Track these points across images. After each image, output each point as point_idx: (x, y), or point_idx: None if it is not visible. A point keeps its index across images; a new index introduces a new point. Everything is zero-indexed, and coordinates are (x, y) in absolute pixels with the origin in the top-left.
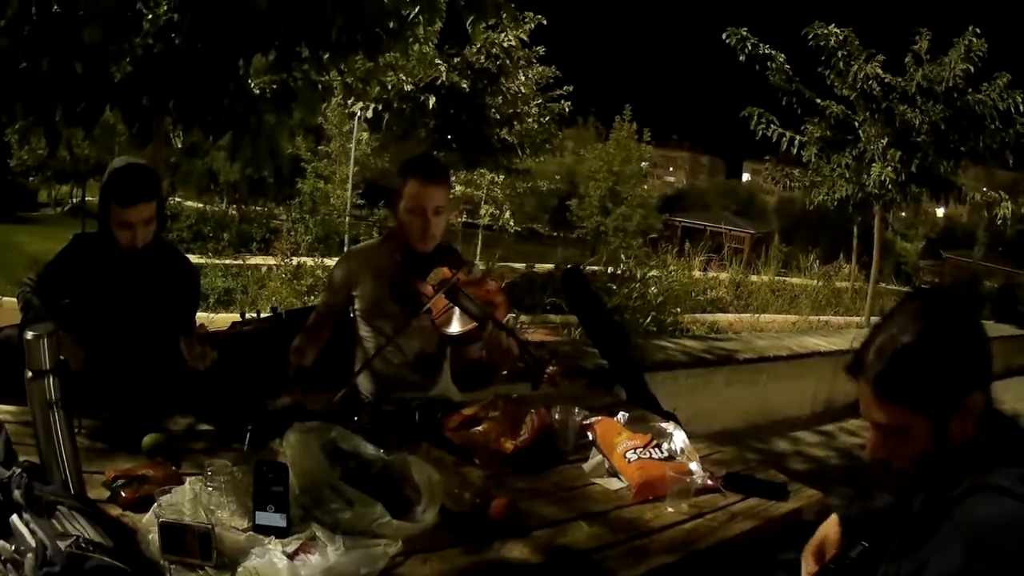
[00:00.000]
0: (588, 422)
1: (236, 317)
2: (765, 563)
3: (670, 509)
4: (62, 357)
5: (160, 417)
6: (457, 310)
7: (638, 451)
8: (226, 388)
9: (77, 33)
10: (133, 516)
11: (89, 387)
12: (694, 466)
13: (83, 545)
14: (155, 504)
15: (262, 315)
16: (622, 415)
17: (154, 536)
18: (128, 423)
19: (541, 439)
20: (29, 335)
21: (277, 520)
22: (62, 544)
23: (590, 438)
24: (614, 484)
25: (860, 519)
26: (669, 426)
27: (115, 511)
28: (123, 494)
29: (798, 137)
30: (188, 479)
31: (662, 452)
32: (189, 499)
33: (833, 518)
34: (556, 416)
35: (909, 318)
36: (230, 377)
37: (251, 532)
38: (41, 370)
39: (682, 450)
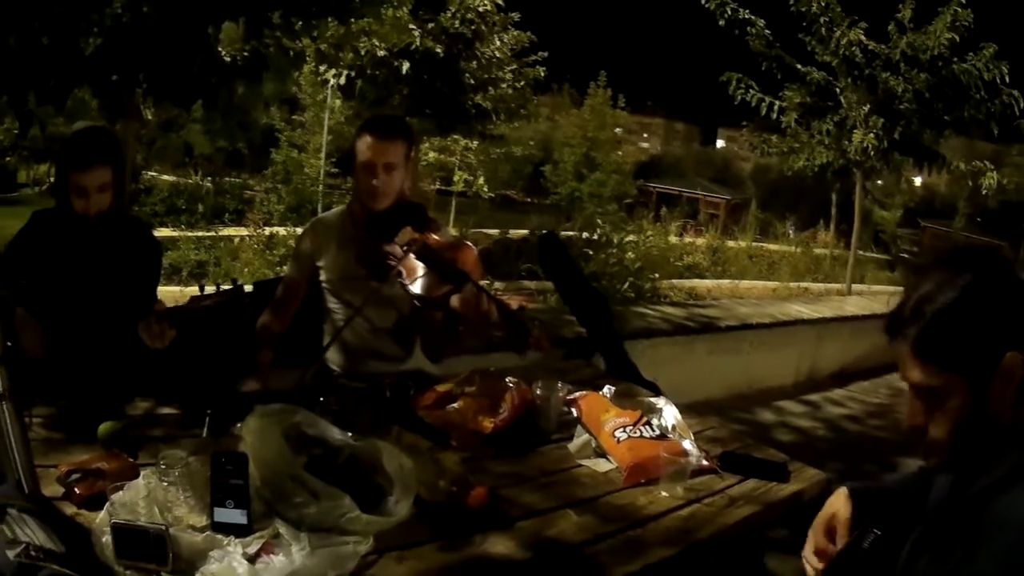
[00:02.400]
0: (572, 397)
1: (210, 290)
2: (756, 542)
3: (664, 494)
4: (23, 343)
5: (118, 401)
6: (428, 272)
7: (627, 429)
8: (186, 367)
9: (45, 7)
10: (88, 515)
11: (46, 371)
12: (688, 445)
13: (33, 553)
14: (108, 503)
15: (222, 288)
16: (608, 389)
17: (108, 539)
18: (85, 410)
19: (522, 417)
20: None
21: (237, 517)
22: (11, 552)
23: (574, 415)
24: (603, 466)
25: (871, 497)
26: (659, 401)
27: (70, 509)
28: (77, 490)
29: (778, 103)
30: (143, 472)
31: (653, 430)
32: (143, 496)
33: (843, 492)
34: (538, 391)
35: (947, 276)
36: (190, 355)
37: (209, 532)
38: None
39: (674, 427)
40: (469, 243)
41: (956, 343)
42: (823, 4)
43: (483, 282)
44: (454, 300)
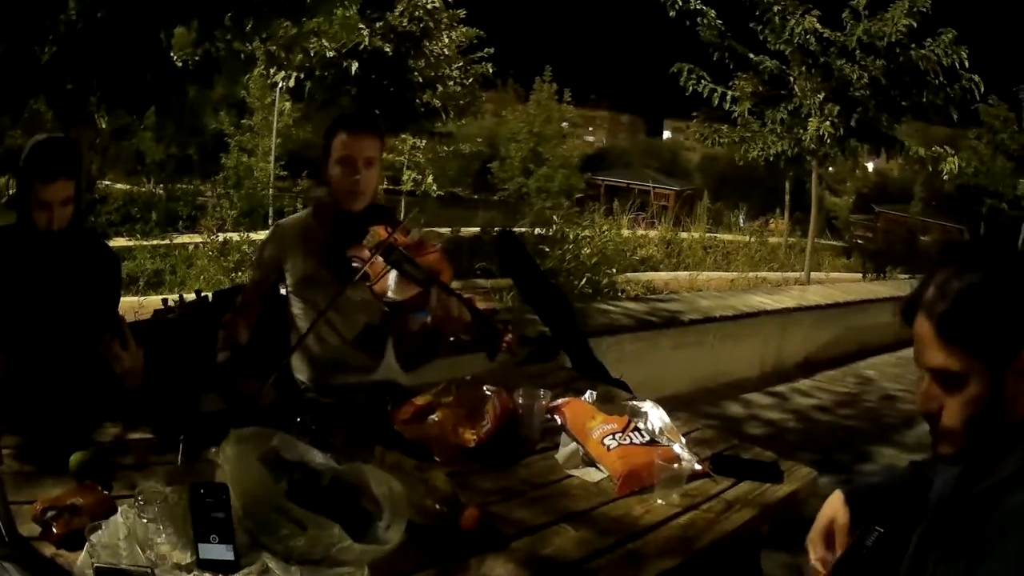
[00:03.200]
0: (555, 404)
1: (169, 299)
2: (752, 542)
3: (660, 502)
4: None
5: (87, 427)
6: (397, 275)
7: (617, 436)
8: (154, 385)
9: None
10: (67, 555)
11: (10, 397)
12: (679, 449)
13: None
14: (87, 543)
15: (187, 300)
16: (590, 394)
17: None
18: (53, 438)
19: (504, 427)
20: None
21: (223, 552)
22: None
23: (558, 422)
24: (593, 475)
25: (866, 497)
26: (644, 404)
27: (48, 550)
28: (54, 529)
29: (730, 92)
30: (121, 507)
31: (643, 436)
32: (124, 536)
33: (838, 496)
34: (519, 400)
35: (972, 260)
36: (157, 371)
37: (196, 572)
38: None
39: (662, 431)
40: (437, 244)
41: (982, 325)
42: None
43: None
44: (427, 303)
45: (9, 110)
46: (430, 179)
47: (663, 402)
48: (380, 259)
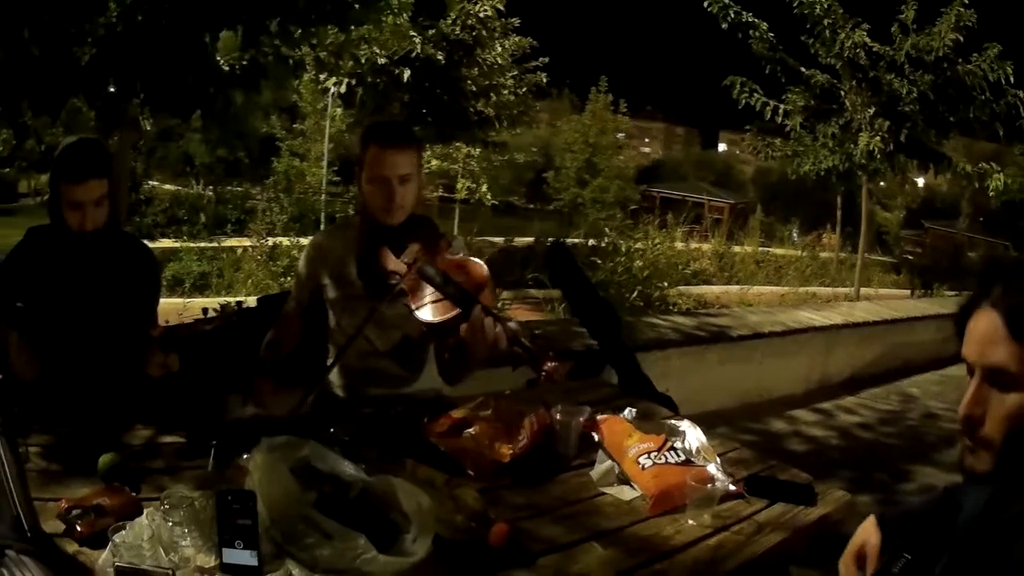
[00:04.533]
0: (593, 421)
1: (212, 302)
2: (781, 565)
3: (691, 522)
4: (15, 368)
5: (118, 430)
6: (434, 294)
7: (652, 455)
8: (189, 392)
9: (34, 16)
10: (90, 553)
11: (42, 397)
12: (714, 469)
13: None
14: (110, 543)
15: (227, 309)
16: (629, 412)
17: None
18: (83, 439)
19: (540, 443)
20: None
21: (247, 558)
22: None
23: (595, 439)
24: (627, 493)
25: (899, 522)
26: (682, 423)
27: (71, 547)
28: (79, 527)
29: (782, 106)
30: (147, 509)
31: (678, 455)
32: (147, 537)
33: (871, 521)
34: (557, 416)
35: None
36: (192, 379)
37: (218, 574)
38: None
39: (698, 450)
40: (480, 262)
41: None
42: (826, 6)
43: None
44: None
45: (47, 109)
46: (484, 188)
47: (707, 417)
48: (416, 276)
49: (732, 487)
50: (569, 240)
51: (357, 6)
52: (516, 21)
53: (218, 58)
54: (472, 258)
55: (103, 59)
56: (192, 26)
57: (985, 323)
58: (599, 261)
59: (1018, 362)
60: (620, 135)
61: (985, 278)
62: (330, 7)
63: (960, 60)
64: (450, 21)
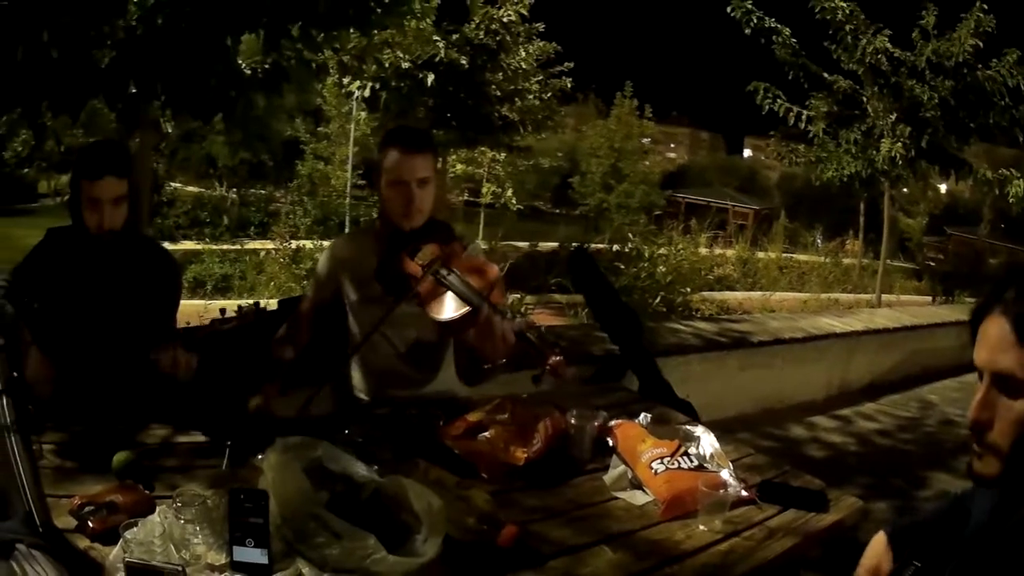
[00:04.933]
0: (608, 426)
1: (234, 304)
2: (792, 570)
3: (702, 527)
4: (28, 378)
5: (133, 429)
6: (448, 293)
7: (665, 460)
8: (205, 393)
9: (53, 18)
10: (101, 549)
11: (58, 396)
12: (726, 475)
13: None
14: (121, 539)
15: (244, 310)
16: (644, 417)
17: None
18: (98, 437)
19: (555, 447)
20: None
21: (257, 556)
22: None
23: (609, 444)
24: (639, 498)
25: (910, 533)
26: (697, 429)
27: (83, 543)
28: (91, 523)
29: (805, 112)
30: (159, 508)
31: (691, 460)
32: (159, 534)
33: (881, 540)
34: (572, 420)
35: None
36: (209, 380)
37: (228, 572)
38: None
39: (712, 456)
40: (492, 265)
41: None
42: (848, 11)
43: (505, 298)
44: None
45: (67, 110)
46: (509, 192)
47: (727, 423)
48: (431, 277)
49: (744, 493)
50: (593, 245)
51: (379, 10)
52: (541, 26)
53: (240, 61)
54: (484, 260)
55: (123, 61)
56: (213, 29)
57: (995, 329)
58: (622, 266)
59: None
60: (646, 140)
61: (998, 283)
62: (351, 11)
63: (980, 66)
64: (474, 26)
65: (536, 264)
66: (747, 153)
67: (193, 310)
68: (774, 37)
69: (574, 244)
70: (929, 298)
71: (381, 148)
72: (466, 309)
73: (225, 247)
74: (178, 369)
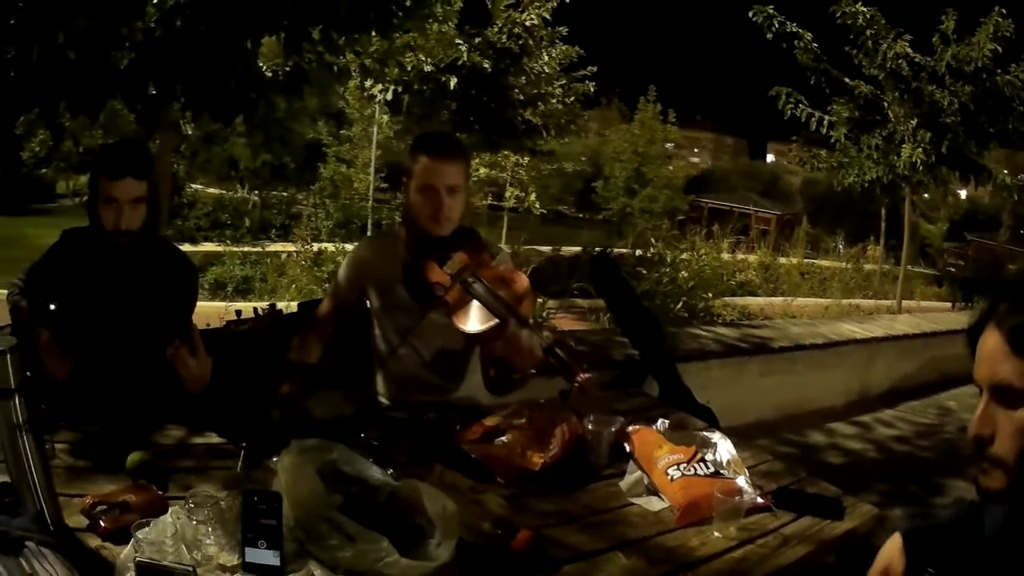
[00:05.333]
0: (625, 431)
1: (254, 306)
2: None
3: (717, 534)
4: (47, 367)
5: (148, 430)
6: (476, 303)
7: (681, 467)
8: (220, 394)
9: (68, 20)
10: (113, 548)
11: (71, 396)
12: (742, 482)
13: None
14: (133, 539)
15: (260, 312)
16: (661, 423)
17: None
18: (112, 437)
19: (571, 452)
20: None
21: (269, 558)
22: None
23: (627, 449)
24: (655, 504)
25: (925, 537)
26: (714, 435)
27: (94, 542)
28: (102, 523)
29: (826, 117)
30: (172, 508)
31: (707, 467)
32: (171, 534)
33: (897, 540)
34: (589, 426)
35: None
36: (224, 383)
37: (240, 574)
38: (6, 389)
39: (728, 462)
40: (521, 274)
41: None
42: (868, 16)
43: (533, 309)
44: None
45: (85, 110)
46: (532, 196)
47: (747, 429)
48: (459, 287)
49: (760, 500)
50: (616, 250)
51: (400, 14)
52: (564, 30)
53: (260, 63)
54: (514, 270)
55: (142, 62)
56: (233, 32)
57: (991, 342)
58: (644, 271)
59: (1022, 377)
60: (669, 145)
61: (992, 298)
62: (372, 15)
63: (999, 71)
64: (496, 29)
65: (558, 268)
66: (770, 158)
67: (213, 312)
68: (796, 42)
69: (596, 249)
70: (949, 304)
71: (412, 152)
72: (493, 321)
73: (246, 249)
74: (182, 368)
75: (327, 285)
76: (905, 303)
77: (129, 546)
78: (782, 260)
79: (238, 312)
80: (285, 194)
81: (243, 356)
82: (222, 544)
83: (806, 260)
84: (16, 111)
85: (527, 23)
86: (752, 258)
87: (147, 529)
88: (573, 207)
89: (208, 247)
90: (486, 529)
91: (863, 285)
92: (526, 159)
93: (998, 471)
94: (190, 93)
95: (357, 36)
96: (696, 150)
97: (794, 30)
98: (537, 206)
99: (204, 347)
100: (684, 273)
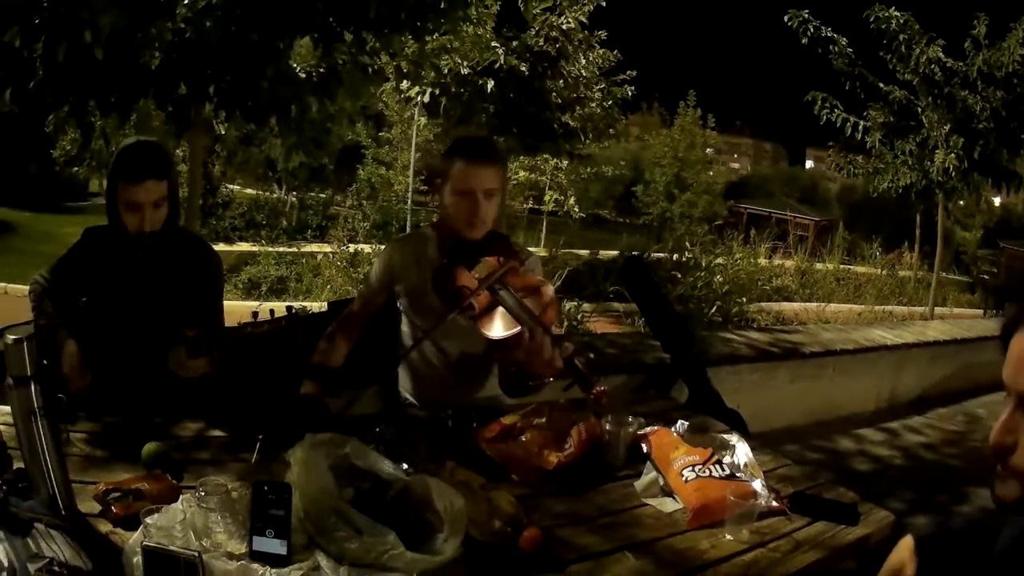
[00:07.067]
0: (642, 432)
1: (271, 307)
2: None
3: (728, 537)
4: (65, 375)
5: (166, 422)
6: (501, 310)
7: (696, 468)
8: (238, 391)
9: (93, 20)
10: (123, 533)
11: (94, 389)
12: (758, 485)
13: (56, 569)
14: (142, 524)
15: (276, 314)
16: (680, 424)
17: (139, 560)
18: (130, 429)
19: (588, 452)
20: (9, 340)
21: (276, 547)
22: (32, 567)
23: (644, 450)
24: (668, 505)
25: (937, 545)
26: (732, 437)
27: (105, 527)
28: (114, 509)
29: (862, 122)
30: (183, 496)
31: (723, 469)
32: (180, 520)
33: (908, 544)
34: (607, 426)
35: None
36: (241, 380)
37: (245, 561)
38: (23, 377)
39: (745, 465)
40: (548, 284)
41: None
42: (902, 21)
43: (567, 307)
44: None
45: (115, 109)
46: (572, 200)
47: (776, 434)
48: (486, 292)
49: (775, 504)
50: (654, 254)
51: (432, 15)
52: (603, 34)
53: (294, 64)
54: (540, 279)
55: (172, 63)
56: (264, 32)
57: (1020, 346)
58: (679, 276)
59: None
60: (709, 150)
61: None
62: (404, 16)
63: None
64: (533, 33)
65: (595, 272)
66: (809, 164)
67: (246, 311)
68: (831, 47)
69: (629, 252)
70: (981, 311)
71: (447, 156)
72: (516, 329)
73: (281, 249)
74: (181, 368)
75: (361, 286)
76: (938, 310)
77: (138, 531)
78: (818, 266)
79: (254, 314)
80: (323, 195)
81: (260, 357)
82: (231, 532)
83: (842, 266)
84: (45, 109)
85: (564, 26)
86: (789, 263)
87: (157, 515)
88: (613, 211)
89: (243, 247)
90: (495, 527)
91: (897, 291)
92: (565, 163)
93: (1015, 481)
94: (222, 93)
95: (388, 36)
96: (736, 156)
97: (829, 35)
98: (576, 210)
99: (219, 348)
100: (719, 278)
